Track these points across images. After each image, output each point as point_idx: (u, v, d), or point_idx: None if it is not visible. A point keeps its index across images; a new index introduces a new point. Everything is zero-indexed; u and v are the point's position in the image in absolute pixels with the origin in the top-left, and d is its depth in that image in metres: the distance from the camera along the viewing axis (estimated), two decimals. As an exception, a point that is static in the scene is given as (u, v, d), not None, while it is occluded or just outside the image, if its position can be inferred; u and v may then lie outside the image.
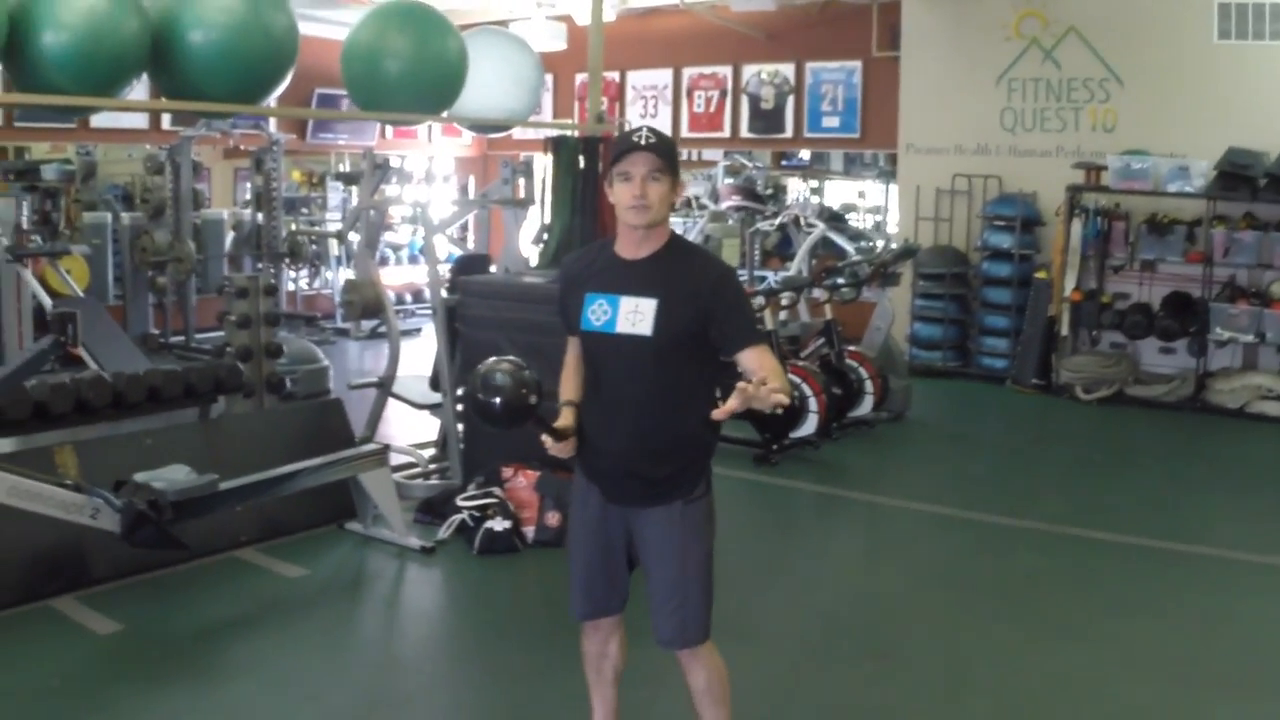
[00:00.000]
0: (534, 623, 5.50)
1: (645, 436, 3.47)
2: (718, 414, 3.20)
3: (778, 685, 4.81)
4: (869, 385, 9.04)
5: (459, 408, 7.16)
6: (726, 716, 3.72)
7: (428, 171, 16.23)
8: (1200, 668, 5.08)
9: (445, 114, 7.64)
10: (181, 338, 11.80)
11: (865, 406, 9.08)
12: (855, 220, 16.00)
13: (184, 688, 4.67)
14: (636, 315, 3.39)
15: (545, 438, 3.48)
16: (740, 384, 3.12)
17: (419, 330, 12.60)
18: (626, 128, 12.38)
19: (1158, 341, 10.62)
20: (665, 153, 3.39)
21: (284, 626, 5.40)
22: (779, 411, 3.18)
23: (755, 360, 3.37)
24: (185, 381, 6.37)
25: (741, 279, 10.20)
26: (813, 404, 8.26)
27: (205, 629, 5.31)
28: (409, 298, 14.45)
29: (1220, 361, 10.47)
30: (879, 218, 16.04)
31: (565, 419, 3.56)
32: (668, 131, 13.62)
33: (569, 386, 3.65)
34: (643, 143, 3.37)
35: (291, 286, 14.16)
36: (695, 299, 3.39)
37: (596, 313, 3.46)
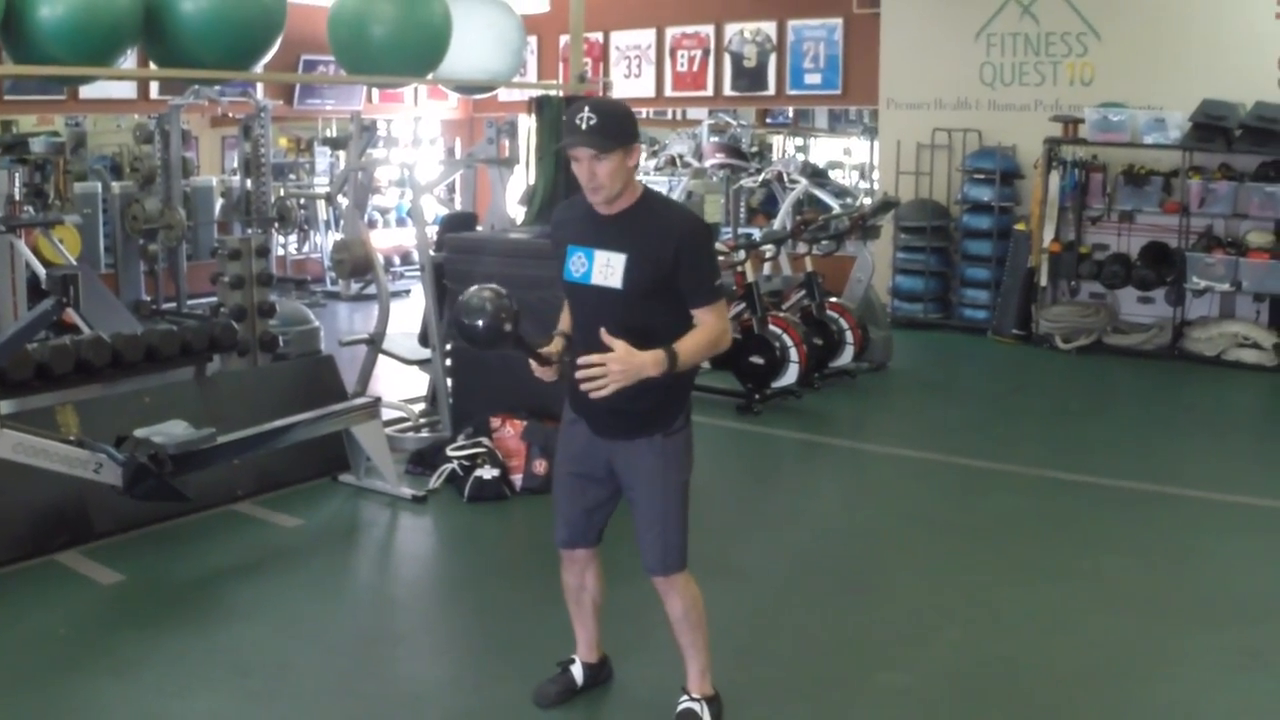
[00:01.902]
0: (521, 564, 5.69)
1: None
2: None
3: (758, 616, 4.99)
4: (849, 336, 9.19)
5: (447, 362, 7.32)
6: (703, 640, 3.92)
7: (414, 134, 16.30)
8: (1170, 601, 5.22)
9: (430, 76, 7.76)
10: (173, 304, 11.87)
11: (846, 357, 9.24)
12: (840, 177, 16.10)
13: (187, 630, 4.80)
14: (608, 269, 3.55)
15: (531, 361, 3.69)
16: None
17: (407, 292, 12.72)
18: (610, 88, 12.54)
19: (1136, 291, 10.73)
20: (604, 132, 3.45)
21: (282, 573, 5.55)
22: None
23: (700, 319, 3.59)
24: (181, 341, 6.50)
25: (725, 234, 10.44)
26: (794, 354, 8.40)
27: (205, 577, 5.46)
28: (397, 260, 14.48)
29: (1197, 310, 10.61)
30: (865, 174, 16.11)
31: (552, 345, 3.78)
32: (653, 89, 13.84)
33: (565, 318, 3.88)
34: (583, 126, 3.45)
35: (281, 251, 14.22)
36: (662, 254, 3.52)
37: (576, 264, 3.64)
